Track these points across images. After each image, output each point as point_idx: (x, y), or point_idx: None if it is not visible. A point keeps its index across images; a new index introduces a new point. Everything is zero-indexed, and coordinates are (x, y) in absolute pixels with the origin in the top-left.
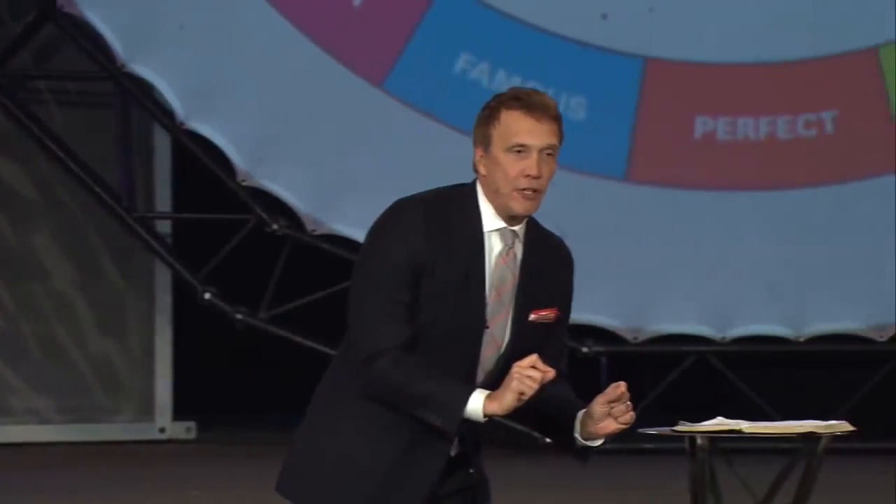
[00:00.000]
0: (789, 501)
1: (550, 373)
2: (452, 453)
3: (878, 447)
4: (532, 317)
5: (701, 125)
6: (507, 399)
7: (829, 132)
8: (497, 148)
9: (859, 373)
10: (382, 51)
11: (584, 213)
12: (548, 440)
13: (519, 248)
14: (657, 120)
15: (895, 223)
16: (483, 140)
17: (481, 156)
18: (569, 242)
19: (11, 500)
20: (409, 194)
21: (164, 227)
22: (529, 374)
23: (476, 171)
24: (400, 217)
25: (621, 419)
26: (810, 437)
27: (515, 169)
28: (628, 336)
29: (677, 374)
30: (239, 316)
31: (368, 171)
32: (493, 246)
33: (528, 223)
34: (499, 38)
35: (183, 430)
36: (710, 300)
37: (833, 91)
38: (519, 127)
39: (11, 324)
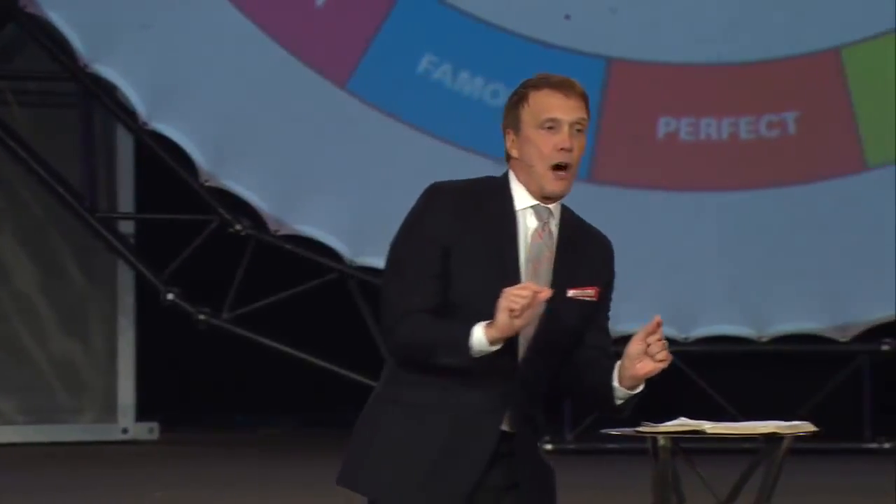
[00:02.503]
0: (752, 502)
1: (545, 292)
2: (505, 428)
3: (841, 447)
4: (571, 293)
5: (664, 125)
6: (500, 319)
7: (791, 133)
8: (528, 127)
9: (822, 373)
10: (345, 51)
11: None
12: (601, 412)
13: (554, 226)
14: (620, 120)
15: (856, 223)
16: (513, 123)
17: (513, 140)
18: None
19: None
20: (376, 196)
21: (126, 227)
22: (517, 292)
23: (508, 157)
24: (429, 197)
25: (658, 356)
26: (773, 437)
27: (548, 144)
28: None
29: None
30: (202, 316)
31: (332, 172)
32: (528, 223)
33: (563, 207)
34: (462, 38)
35: (146, 431)
36: (673, 300)
37: (795, 92)
38: (548, 103)
39: None
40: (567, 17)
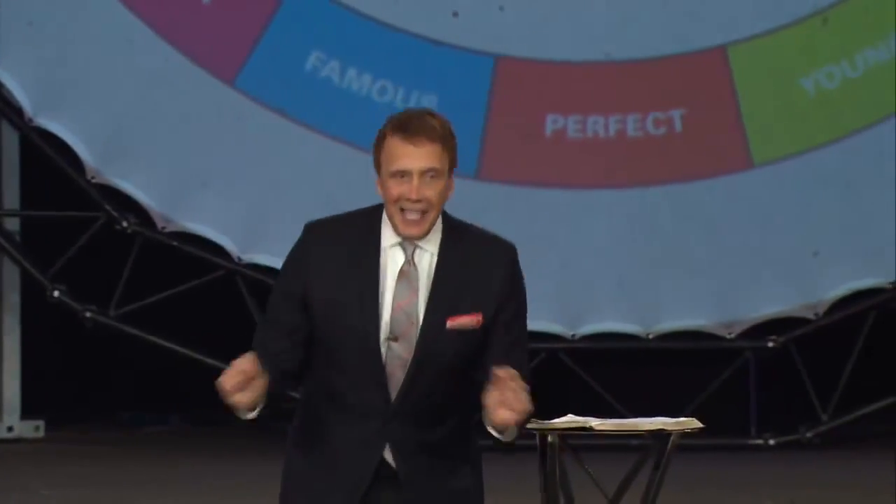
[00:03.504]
0: (639, 498)
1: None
2: (389, 460)
3: (727, 444)
4: (449, 324)
5: (551, 123)
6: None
7: (678, 130)
8: (384, 173)
9: (708, 370)
10: (233, 48)
11: None
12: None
13: (426, 259)
14: (508, 118)
15: (743, 221)
16: (376, 165)
17: (378, 179)
18: None
19: None
20: (264, 193)
21: (12, 224)
22: (226, 374)
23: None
24: (301, 238)
25: (514, 405)
26: (659, 434)
27: (397, 191)
28: None
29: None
30: (88, 314)
31: (219, 170)
32: (397, 260)
33: (449, 231)
34: (349, 35)
35: (31, 429)
36: (561, 298)
37: (682, 90)
38: (398, 153)
39: None
40: (455, 14)
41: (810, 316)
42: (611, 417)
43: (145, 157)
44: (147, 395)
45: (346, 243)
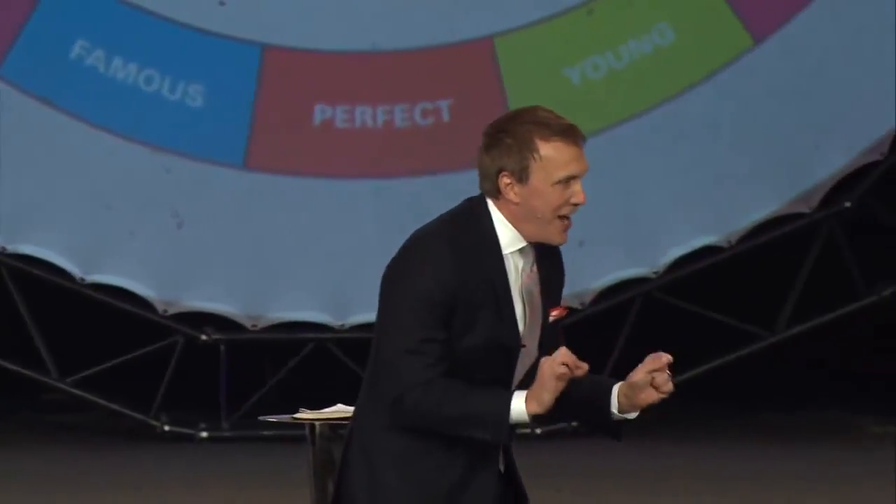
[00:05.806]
0: None
1: (583, 367)
2: (501, 468)
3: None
4: (551, 317)
5: (319, 113)
6: (545, 397)
7: (445, 120)
8: (539, 180)
9: None
10: None
11: (203, 201)
12: (575, 424)
13: (530, 262)
14: (276, 107)
15: None
16: (517, 171)
17: (508, 183)
18: (188, 230)
19: None
20: (29, 183)
21: None
22: (561, 371)
23: (494, 192)
24: (424, 253)
25: (662, 388)
26: None
27: (561, 199)
28: (247, 323)
29: (297, 362)
30: None
31: None
32: (518, 264)
33: None
34: (114, 23)
35: None
36: (330, 288)
37: (449, 80)
38: (562, 159)
39: None
40: (222, 3)
41: (576, 306)
42: None
43: None
44: None
45: (471, 253)
